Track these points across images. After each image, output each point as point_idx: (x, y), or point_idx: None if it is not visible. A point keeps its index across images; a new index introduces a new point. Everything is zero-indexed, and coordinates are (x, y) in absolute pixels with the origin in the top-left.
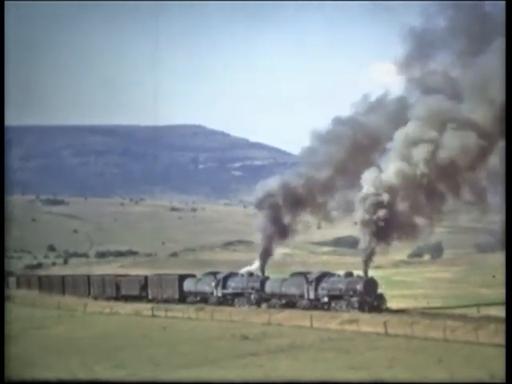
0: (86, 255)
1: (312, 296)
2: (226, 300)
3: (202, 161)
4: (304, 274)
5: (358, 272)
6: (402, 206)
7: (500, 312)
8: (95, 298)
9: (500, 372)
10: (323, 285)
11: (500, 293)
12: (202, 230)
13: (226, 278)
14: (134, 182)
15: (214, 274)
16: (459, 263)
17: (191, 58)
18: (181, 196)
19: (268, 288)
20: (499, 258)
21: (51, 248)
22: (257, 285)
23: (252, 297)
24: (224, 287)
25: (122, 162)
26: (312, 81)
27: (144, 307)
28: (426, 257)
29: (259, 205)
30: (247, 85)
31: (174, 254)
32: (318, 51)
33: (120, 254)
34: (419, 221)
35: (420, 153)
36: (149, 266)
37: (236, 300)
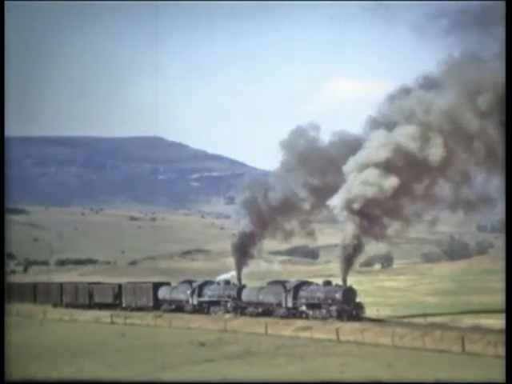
0: (46, 263)
1: (290, 304)
2: (202, 308)
3: (162, 171)
4: (282, 283)
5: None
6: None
7: (446, 319)
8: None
9: (444, 377)
10: (302, 293)
11: (444, 301)
12: (161, 239)
13: (201, 286)
14: (94, 193)
15: (190, 282)
16: (407, 272)
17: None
18: (140, 206)
19: (245, 296)
20: (444, 267)
21: (11, 256)
22: (233, 293)
23: (228, 305)
24: (200, 295)
25: (82, 172)
26: (270, 93)
27: (103, 314)
28: (377, 266)
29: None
30: (206, 98)
31: (134, 263)
32: (276, 63)
33: (80, 262)
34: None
35: None
36: (108, 274)
37: (212, 308)
